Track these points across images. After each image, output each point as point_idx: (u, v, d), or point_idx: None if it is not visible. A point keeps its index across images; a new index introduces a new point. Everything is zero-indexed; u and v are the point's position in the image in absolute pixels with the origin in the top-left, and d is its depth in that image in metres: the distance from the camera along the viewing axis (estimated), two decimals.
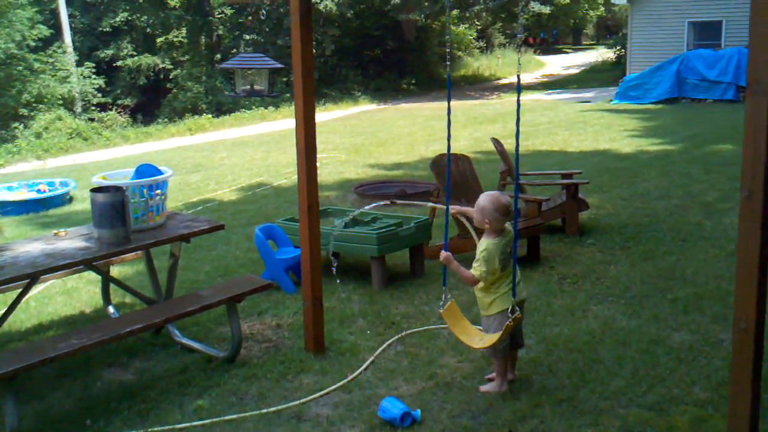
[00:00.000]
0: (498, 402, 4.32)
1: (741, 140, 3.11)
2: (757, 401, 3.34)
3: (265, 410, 4.37)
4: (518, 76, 4.25)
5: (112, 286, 6.00)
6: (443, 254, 4.34)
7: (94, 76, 28.55)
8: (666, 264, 6.73)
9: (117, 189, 4.89)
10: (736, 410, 3.34)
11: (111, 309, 6.04)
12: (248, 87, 5.39)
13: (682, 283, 6.23)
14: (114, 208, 4.81)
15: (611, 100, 22.52)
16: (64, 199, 11.42)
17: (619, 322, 5.45)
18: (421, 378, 4.69)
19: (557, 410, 4.19)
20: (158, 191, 5.25)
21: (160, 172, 5.41)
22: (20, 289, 4.99)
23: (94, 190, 4.89)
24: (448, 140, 4.53)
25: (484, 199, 4.36)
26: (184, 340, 5.40)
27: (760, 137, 3.03)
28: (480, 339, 4.34)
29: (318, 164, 5.05)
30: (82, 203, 11.06)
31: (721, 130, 15.03)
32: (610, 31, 57.76)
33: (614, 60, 34.62)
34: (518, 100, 4.24)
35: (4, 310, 5.07)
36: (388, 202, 6.07)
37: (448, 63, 5.03)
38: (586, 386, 4.47)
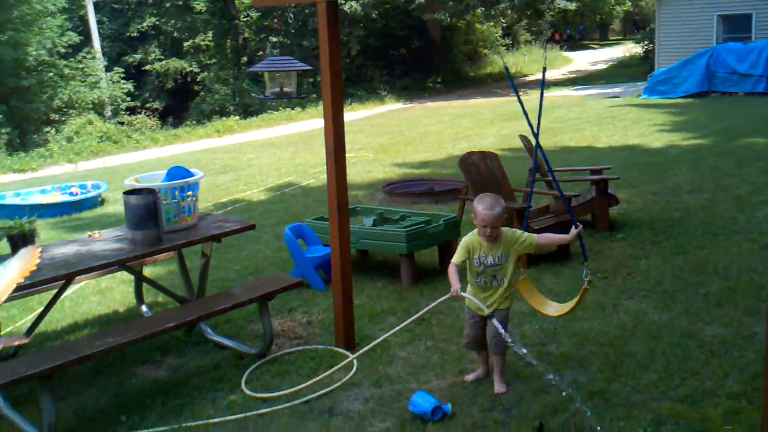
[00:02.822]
0: (529, 395, 4.33)
1: None
2: None
3: (297, 401, 4.42)
4: (544, 71, 4.23)
5: (145, 285, 6.09)
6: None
7: (123, 81, 28.95)
8: (698, 258, 6.67)
9: (150, 191, 4.97)
10: None
11: (144, 308, 6.13)
12: (278, 89, 5.45)
13: (715, 276, 6.17)
14: (147, 210, 4.88)
15: (640, 95, 22.31)
16: (97, 202, 11.58)
17: (651, 316, 5.42)
18: (451, 373, 4.71)
19: (588, 404, 4.18)
20: (189, 193, 5.32)
21: (191, 174, 5.48)
22: (56, 290, 5.09)
23: (128, 193, 4.96)
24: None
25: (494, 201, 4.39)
26: (216, 338, 5.47)
27: None
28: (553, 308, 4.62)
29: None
30: (114, 205, 11.21)
31: (752, 124, 14.83)
32: (638, 25, 57.09)
33: (642, 55, 34.25)
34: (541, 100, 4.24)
35: (41, 310, 5.17)
36: None
37: (502, 59, 5.06)
38: (617, 380, 4.46)
